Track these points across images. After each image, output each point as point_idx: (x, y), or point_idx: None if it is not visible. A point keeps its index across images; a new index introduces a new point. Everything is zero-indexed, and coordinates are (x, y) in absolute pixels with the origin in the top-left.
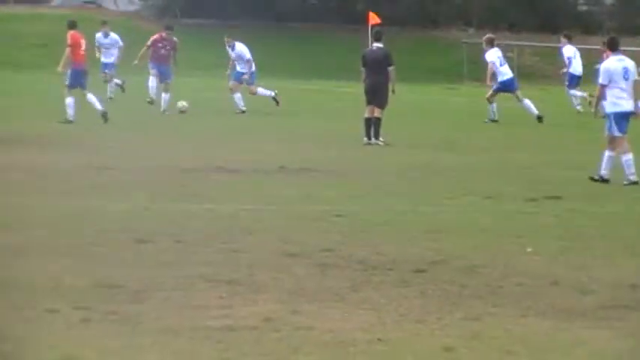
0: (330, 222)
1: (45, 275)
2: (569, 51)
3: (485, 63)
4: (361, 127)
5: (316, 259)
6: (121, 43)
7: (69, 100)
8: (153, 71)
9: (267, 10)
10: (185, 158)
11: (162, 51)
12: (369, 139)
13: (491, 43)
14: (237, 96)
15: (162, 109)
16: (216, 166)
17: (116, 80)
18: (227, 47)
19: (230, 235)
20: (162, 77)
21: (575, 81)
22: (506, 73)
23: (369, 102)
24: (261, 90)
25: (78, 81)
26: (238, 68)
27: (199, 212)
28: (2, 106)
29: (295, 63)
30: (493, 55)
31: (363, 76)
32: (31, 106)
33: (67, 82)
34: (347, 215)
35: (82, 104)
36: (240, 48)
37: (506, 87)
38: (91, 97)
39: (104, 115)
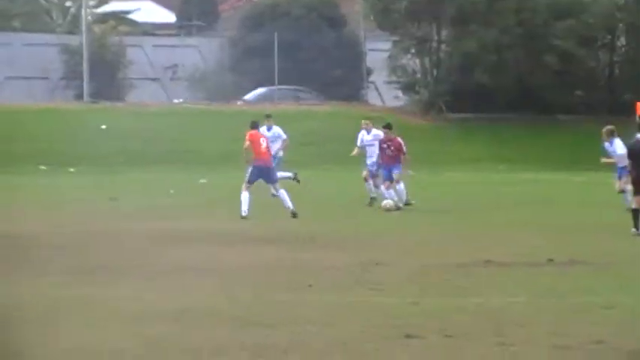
0: (601, 314)
1: None
2: None
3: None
4: (629, 218)
5: (587, 351)
6: (284, 136)
7: (244, 196)
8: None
9: (535, 103)
10: (453, 253)
11: (388, 151)
12: (638, 229)
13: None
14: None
15: (405, 202)
16: (484, 260)
17: (283, 174)
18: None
19: (500, 328)
20: (387, 177)
21: None
22: None
23: (637, 192)
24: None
25: (257, 177)
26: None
27: (469, 306)
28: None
29: (560, 154)
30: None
31: (630, 167)
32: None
33: (246, 178)
34: (618, 307)
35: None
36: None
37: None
38: (283, 194)
39: (294, 214)
